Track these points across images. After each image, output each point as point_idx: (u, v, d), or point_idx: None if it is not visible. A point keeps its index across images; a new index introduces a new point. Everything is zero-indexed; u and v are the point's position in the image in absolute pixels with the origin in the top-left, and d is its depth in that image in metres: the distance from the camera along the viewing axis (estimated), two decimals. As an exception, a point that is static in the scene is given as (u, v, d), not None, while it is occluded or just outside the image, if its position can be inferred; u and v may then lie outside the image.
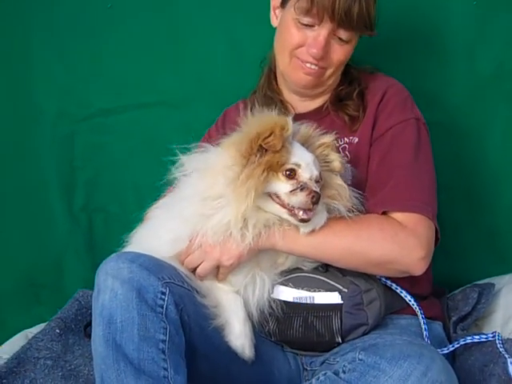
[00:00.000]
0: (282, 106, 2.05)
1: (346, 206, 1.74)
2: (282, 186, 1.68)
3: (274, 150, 1.65)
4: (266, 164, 1.66)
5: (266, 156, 1.67)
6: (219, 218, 1.69)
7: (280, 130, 1.65)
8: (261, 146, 1.66)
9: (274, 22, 2.04)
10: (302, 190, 1.66)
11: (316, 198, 1.65)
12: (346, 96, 2.02)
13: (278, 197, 1.69)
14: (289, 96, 2.07)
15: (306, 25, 1.89)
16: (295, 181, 1.68)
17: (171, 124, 2.54)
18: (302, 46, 1.91)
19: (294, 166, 1.68)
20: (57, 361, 2.00)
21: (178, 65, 2.53)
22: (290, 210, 1.68)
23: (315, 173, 1.70)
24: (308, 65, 1.93)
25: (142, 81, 2.55)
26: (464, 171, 2.38)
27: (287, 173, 1.68)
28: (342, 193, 1.75)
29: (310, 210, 1.67)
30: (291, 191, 1.67)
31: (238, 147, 1.69)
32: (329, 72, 1.97)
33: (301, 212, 1.67)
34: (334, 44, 1.91)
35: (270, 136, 1.64)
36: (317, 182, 1.70)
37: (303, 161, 1.69)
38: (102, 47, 2.57)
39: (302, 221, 1.68)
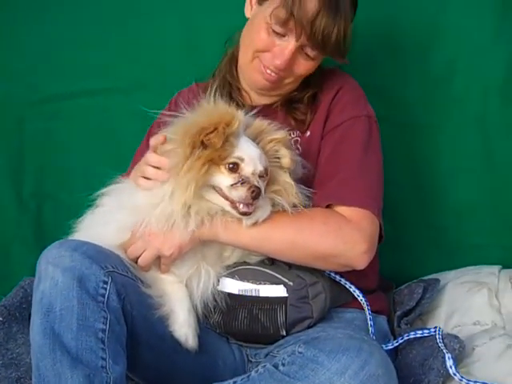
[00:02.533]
0: (239, 95, 2.04)
1: (290, 203, 1.74)
2: (224, 179, 1.68)
3: (214, 147, 1.65)
4: (207, 157, 1.66)
5: (208, 150, 1.66)
6: (163, 206, 1.69)
7: (224, 127, 1.65)
8: (202, 141, 1.65)
9: (248, 13, 2.00)
10: (242, 184, 1.66)
11: (256, 193, 1.64)
12: (298, 99, 2.02)
13: (220, 189, 1.68)
14: (246, 86, 2.05)
15: (277, 33, 1.86)
16: (237, 174, 1.67)
17: (122, 110, 2.51)
18: (268, 52, 1.89)
19: (236, 160, 1.68)
20: (-3, 349, 1.97)
21: (130, 50, 2.50)
22: (232, 202, 1.67)
23: (259, 168, 1.69)
24: (268, 71, 1.91)
25: (92, 66, 2.51)
26: (414, 167, 2.41)
27: (230, 166, 1.67)
28: (288, 190, 1.75)
29: (250, 204, 1.66)
30: (232, 185, 1.67)
31: (183, 137, 1.68)
32: (288, 81, 1.96)
33: (241, 205, 1.66)
34: (299, 58, 1.90)
35: (212, 132, 1.64)
36: (261, 176, 1.69)
37: (247, 155, 1.68)
38: (52, 31, 2.52)
39: (243, 214, 1.67)
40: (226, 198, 1.68)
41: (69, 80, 2.53)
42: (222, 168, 1.68)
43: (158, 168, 1.73)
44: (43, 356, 1.48)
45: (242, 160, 1.68)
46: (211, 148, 1.66)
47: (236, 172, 1.67)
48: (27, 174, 2.59)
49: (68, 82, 2.53)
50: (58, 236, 1.83)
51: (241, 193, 1.65)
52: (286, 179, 1.76)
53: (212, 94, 1.76)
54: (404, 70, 2.37)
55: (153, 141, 1.78)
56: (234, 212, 1.68)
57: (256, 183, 1.66)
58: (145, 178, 1.75)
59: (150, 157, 1.75)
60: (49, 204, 2.61)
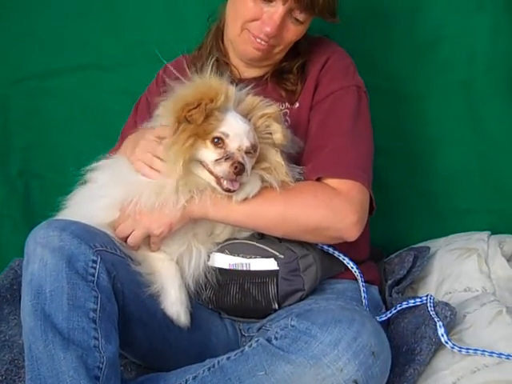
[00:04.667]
0: (227, 68, 2.01)
1: (279, 181, 1.73)
2: (209, 154, 1.67)
3: (195, 123, 1.64)
4: (192, 131, 1.65)
5: (192, 125, 1.65)
6: (155, 183, 1.68)
7: (206, 103, 1.64)
8: (185, 117, 1.65)
9: None
10: (226, 159, 1.64)
11: (239, 170, 1.63)
12: (287, 70, 2.00)
13: (206, 164, 1.67)
14: (234, 60, 2.03)
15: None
16: (222, 150, 1.66)
17: (109, 87, 2.48)
18: (256, 21, 1.86)
19: (221, 135, 1.66)
20: (-10, 331, 1.97)
21: (115, 26, 2.45)
22: (217, 178, 1.66)
23: (245, 143, 1.67)
24: (258, 40, 1.88)
25: (77, 42, 2.47)
26: (401, 135, 2.39)
27: (215, 141, 1.66)
28: (278, 169, 1.73)
29: (234, 180, 1.65)
30: (216, 160, 1.65)
31: (170, 112, 1.68)
32: (277, 49, 1.93)
33: (225, 181, 1.65)
34: (288, 23, 1.87)
35: (195, 108, 1.63)
36: (248, 153, 1.68)
37: (232, 131, 1.67)
38: (36, 6, 2.47)
39: (227, 190, 1.66)
40: (212, 174, 1.67)
41: (53, 57, 2.49)
42: (208, 142, 1.67)
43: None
44: (35, 338, 1.47)
45: (226, 136, 1.66)
46: (194, 124, 1.65)
47: (221, 147, 1.66)
48: (13, 153, 2.57)
49: (52, 59, 2.49)
50: (47, 216, 1.82)
51: (224, 168, 1.64)
52: (276, 158, 1.74)
53: (202, 69, 1.75)
54: (390, 37, 2.34)
55: (162, 133, 1.74)
56: (218, 188, 1.67)
57: (240, 159, 1.64)
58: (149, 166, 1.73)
59: (159, 149, 1.72)
60: (36, 183, 2.59)
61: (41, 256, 1.54)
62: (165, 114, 1.74)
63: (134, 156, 1.77)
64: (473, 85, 2.31)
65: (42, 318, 1.48)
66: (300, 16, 1.86)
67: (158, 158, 1.72)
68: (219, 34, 2.05)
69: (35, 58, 2.50)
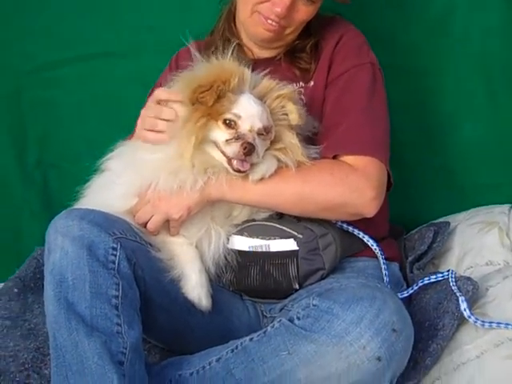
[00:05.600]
0: (241, 50, 2.00)
1: (295, 161, 1.72)
2: (220, 134, 1.67)
3: (206, 105, 1.64)
4: (204, 111, 1.66)
5: (205, 106, 1.66)
6: (170, 162, 1.69)
7: (219, 85, 1.64)
8: (197, 98, 1.65)
9: None
10: (236, 139, 1.65)
11: (248, 150, 1.62)
12: (300, 49, 1.99)
13: (218, 145, 1.68)
14: (247, 41, 2.02)
15: None
16: (234, 131, 1.66)
17: (121, 74, 2.47)
18: (266, 2, 1.84)
19: (232, 117, 1.66)
20: (15, 320, 1.97)
21: (125, 12, 2.44)
22: (228, 158, 1.67)
23: (258, 125, 1.67)
24: (269, 21, 1.87)
25: (87, 31, 2.46)
26: (418, 111, 2.37)
27: (227, 122, 1.67)
28: (293, 150, 1.73)
29: (244, 160, 1.65)
30: (227, 140, 1.66)
31: (183, 92, 1.69)
32: (289, 30, 1.92)
33: (235, 162, 1.66)
34: (298, 4, 1.85)
35: (207, 90, 1.63)
36: (260, 134, 1.68)
37: (245, 112, 1.67)
38: (46, -3, 2.47)
39: (237, 171, 1.66)
40: (224, 154, 1.67)
41: (64, 46, 2.48)
42: (220, 123, 1.67)
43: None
44: (59, 326, 1.49)
45: (238, 117, 1.66)
46: (205, 105, 1.65)
47: (233, 128, 1.66)
48: (29, 144, 2.58)
49: (64, 49, 2.49)
50: (65, 204, 1.85)
51: (234, 148, 1.64)
52: (291, 140, 1.73)
53: (216, 53, 1.76)
54: (402, 13, 2.31)
55: (163, 94, 1.75)
56: (229, 169, 1.67)
57: (251, 140, 1.64)
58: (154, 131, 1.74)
59: (162, 110, 1.73)
60: (54, 173, 2.60)
61: (61, 245, 1.55)
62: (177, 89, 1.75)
63: (138, 126, 1.78)
64: (488, 58, 2.28)
65: (65, 307, 1.49)
66: None
67: (162, 119, 1.72)
68: (231, 16, 2.05)
69: (46, 48, 2.50)
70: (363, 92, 1.89)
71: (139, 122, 1.80)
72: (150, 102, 1.79)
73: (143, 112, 1.80)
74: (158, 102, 1.75)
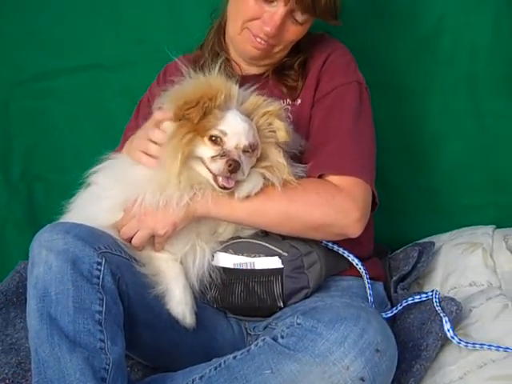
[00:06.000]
0: (229, 65, 2.02)
1: (281, 180, 1.72)
2: (206, 151, 1.67)
3: (192, 121, 1.65)
4: (190, 127, 1.66)
5: (190, 122, 1.66)
6: (157, 177, 1.69)
7: (205, 102, 1.65)
8: (183, 115, 1.66)
9: None
10: (222, 156, 1.65)
11: (234, 167, 1.63)
12: (288, 66, 2.00)
13: (204, 161, 1.68)
14: (235, 56, 2.03)
15: None
16: (219, 147, 1.67)
17: (110, 87, 2.47)
18: (257, 20, 1.86)
19: (218, 134, 1.67)
20: (-4, 335, 1.97)
21: (116, 25, 2.44)
22: (213, 175, 1.67)
23: (243, 142, 1.67)
24: (258, 39, 1.88)
25: (78, 43, 2.45)
26: (404, 131, 2.39)
27: (212, 138, 1.67)
28: (280, 168, 1.73)
29: (229, 177, 1.65)
30: (212, 157, 1.66)
31: (171, 108, 1.69)
32: (277, 48, 1.93)
33: (220, 178, 1.66)
34: (288, 24, 1.87)
35: (193, 107, 1.64)
36: (246, 151, 1.68)
37: (231, 129, 1.67)
38: (36, 7, 2.46)
39: (222, 188, 1.66)
40: (209, 171, 1.67)
41: (54, 58, 2.48)
42: (206, 139, 1.67)
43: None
44: (41, 341, 1.48)
45: (224, 134, 1.67)
46: (191, 122, 1.66)
47: (218, 145, 1.67)
48: (15, 155, 2.55)
49: (53, 60, 2.48)
50: (51, 218, 1.83)
51: (219, 165, 1.64)
52: (278, 158, 1.73)
53: (205, 67, 1.76)
54: (390, 32, 2.33)
55: (159, 115, 1.75)
56: (215, 185, 1.67)
57: (236, 157, 1.64)
58: (147, 154, 1.74)
59: (154, 133, 1.74)
60: (39, 185, 2.58)
61: (45, 259, 1.54)
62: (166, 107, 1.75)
63: (132, 145, 1.78)
64: (475, 79, 2.30)
65: (48, 321, 1.48)
66: (301, 17, 1.86)
67: (154, 142, 1.72)
68: (221, 30, 2.06)
69: (36, 59, 2.49)
70: (350, 112, 1.89)
71: (133, 140, 1.79)
72: (148, 123, 1.79)
73: (139, 133, 1.80)
74: (157, 124, 1.75)
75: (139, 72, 2.41)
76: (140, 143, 1.76)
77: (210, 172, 1.67)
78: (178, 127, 1.67)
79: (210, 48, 2.06)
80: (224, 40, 2.05)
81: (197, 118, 1.64)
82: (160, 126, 1.74)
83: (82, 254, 1.55)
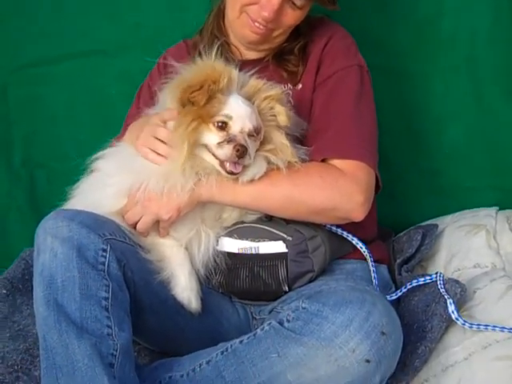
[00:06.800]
0: (229, 49, 2.01)
1: (285, 162, 1.72)
2: (212, 137, 1.67)
3: (198, 105, 1.64)
4: (196, 114, 1.66)
5: (195, 107, 1.66)
6: (162, 166, 1.69)
7: (209, 85, 1.64)
8: (188, 98, 1.65)
9: None
10: (228, 142, 1.65)
11: (241, 152, 1.63)
12: (288, 51, 1.99)
13: (210, 148, 1.68)
14: (235, 41, 2.02)
15: None
16: (225, 133, 1.66)
17: (109, 73, 2.47)
18: (255, 4, 1.84)
19: (224, 118, 1.66)
20: (4, 322, 1.96)
21: (114, 10, 2.43)
22: (220, 161, 1.67)
23: (248, 126, 1.67)
24: (257, 24, 1.87)
25: (76, 28, 2.45)
26: (405, 114, 2.38)
27: (218, 124, 1.66)
28: (283, 150, 1.73)
29: (237, 162, 1.65)
30: (219, 143, 1.66)
31: (174, 95, 1.69)
32: (276, 33, 1.92)
33: (228, 164, 1.66)
34: (286, 8, 1.85)
35: (198, 90, 1.63)
36: (251, 135, 1.68)
37: (235, 113, 1.67)
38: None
39: (230, 173, 1.67)
40: (216, 157, 1.67)
41: (52, 44, 2.47)
42: (211, 126, 1.67)
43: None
44: (49, 328, 1.48)
45: (229, 118, 1.66)
46: (197, 106, 1.65)
47: (224, 130, 1.66)
48: (16, 143, 2.56)
49: (51, 46, 2.48)
50: (54, 204, 1.83)
51: (226, 151, 1.64)
52: (281, 140, 1.74)
53: (204, 52, 1.75)
54: (390, 14, 2.32)
55: (166, 115, 1.74)
56: (222, 171, 1.67)
57: (243, 142, 1.64)
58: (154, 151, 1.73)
59: (161, 131, 1.73)
60: (41, 172, 2.59)
61: (51, 247, 1.55)
62: (168, 96, 1.74)
63: (139, 141, 1.77)
64: (476, 61, 2.29)
65: (55, 308, 1.49)
66: (299, 1, 1.85)
67: (162, 141, 1.72)
68: (220, 15, 2.04)
69: (34, 45, 2.49)
70: (351, 95, 1.89)
71: (142, 135, 1.77)
72: (155, 119, 1.78)
73: (147, 128, 1.77)
74: (164, 121, 1.75)
75: (138, 57, 2.38)
76: (147, 141, 1.75)
77: (217, 158, 1.67)
78: (183, 115, 1.67)
79: (209, 32, 2.05)
80: (224, 24, 2.04)
81: (203, 101, 1.64)
82: (166, 125, 1.74)
83: (86, 241, 1.56)
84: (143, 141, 1.75)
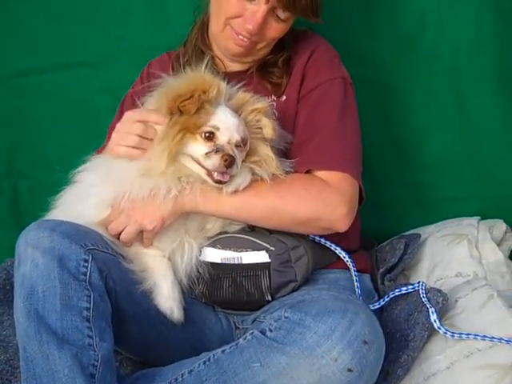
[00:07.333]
0: (213, 62, 2.00)
1: (270, 174, 1.74)
2: (199, 148, 1.68)
3: (189, 114, 1.65)
4: (183, 125, 1.66)
5: (184, 117, 1.66)
6: (145, 172, 1.69)
7: (200, 94, 1.65)
8: (179, 107, 1.66)
9: None
10: (216, 152, 1.65)
11: (229, 162, 1.64)
12: (272, 63, 2.00)
13: (197, 158, 1.68)
14: (219, 53, 2.03)
15: None
16: (212, 143, 1.67)
17: (93, 84, 2.46)
18: (239, 17, 1.86)
19: (211, 129, 1.67)
20: (-16, 332, 1.96)
21: (98, 22, 2.42)
22: (207, 171, 1.67)
23: (235, 137, 1.68)
24: (241, 37, 1.88)
25: (60, 39, 2.44)
26: (388, 125, 2.39)
27: (206, 135, 1.67)
28: (268, 162, 1.74)
29: (225, 172, 1.66)
30: (207, 153, 1.66)
31: (162, 104, 1.70)
32: (260, 45, 1.94)
33: (216, 174, 1.66)
34: (270, 21, 1.87)
35: (188, 99, 1.64)
36: (238, 146, 1.69)
37: (223, 124, 1.68)
38: (17, 4, 2.43)
39: (218, 182, 1.67)
40: (203, 167, 1.67)
41: (35, 55, 2.46)
42: (198, 136, 1.68)
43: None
44: (29, 338, 1.48)
45: (217, 129, 1.67)
46: (186, 115, 1.65)
47: (211, 141, 1.67)
48: (-1, 154, 2.55)
49: (34, 57, 2.46)
50: (36, 215, 1.83)
51: (214, 161, 1.65)
52: (267, 152, 1.75)
53: (188, 64, 1.79)
54: (373, 27, 2.33)
55: (151, 117, 1.73)
56: (209, 180, 1.68)
57: (230, 152, 1.65)
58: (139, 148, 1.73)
59: (136, 126, 1.73)
60: (24, 183, 2.57)
61: (32, 257, 1.54)
62: (156, 105, 1.75)
63: (112, 141, 1.77)
64: (458, 73, 2.31)
65: (36, 319, 1.48)
66: (283, 14, 1.86)
67: (146, 138, 1.72)
68: (204, 27, 2.06)
69: (17, 56, 2.47)
70: (335, 107, 1.90)
71: (113, 134, 1.78)
72: (127, 120, 1.77)
73: (119, 126, 1.78)
74: (140, 121, 1.74)
75: (122, 69, 2.40)
76: (117, 137, 1.76)
77: (204, 168, 1.67)
78: (169, 127, 1.67)
79: (193, 45, 2.06)
80: (207, 37, 2.05)
81: (193, 110, 1.65)
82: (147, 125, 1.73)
83: (68, 252, 1.55)
84: (114, 139, 1.76)
